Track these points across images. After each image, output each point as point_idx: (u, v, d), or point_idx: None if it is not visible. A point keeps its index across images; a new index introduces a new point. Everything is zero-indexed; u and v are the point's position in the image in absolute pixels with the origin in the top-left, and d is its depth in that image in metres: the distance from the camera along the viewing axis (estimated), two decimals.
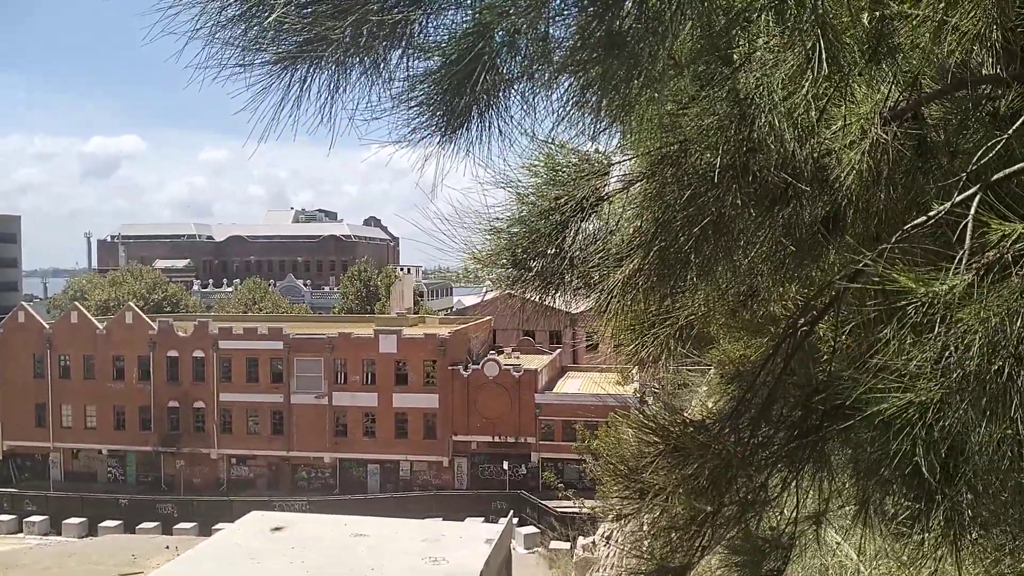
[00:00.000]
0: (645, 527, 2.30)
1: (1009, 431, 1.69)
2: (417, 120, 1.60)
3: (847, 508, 2.46)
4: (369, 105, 1.55)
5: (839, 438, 2.17)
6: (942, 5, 1.96)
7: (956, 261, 1.73)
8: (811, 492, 2.48)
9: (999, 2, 1.87)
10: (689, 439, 2.21)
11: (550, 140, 2.01)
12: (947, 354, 1.63)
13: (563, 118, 1.79)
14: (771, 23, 2.04)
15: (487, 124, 1.69)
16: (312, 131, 1.46)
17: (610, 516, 2.50)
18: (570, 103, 1.74)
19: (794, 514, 2.55)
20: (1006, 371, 1.58)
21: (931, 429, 1.73)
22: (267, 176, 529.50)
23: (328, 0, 1.43)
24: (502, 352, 55.77)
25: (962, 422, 1.67)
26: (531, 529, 41.34)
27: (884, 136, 2.07)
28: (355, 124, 1.55)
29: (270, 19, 1.36)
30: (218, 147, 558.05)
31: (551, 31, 1.63)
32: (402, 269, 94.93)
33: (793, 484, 2.45)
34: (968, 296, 1.62)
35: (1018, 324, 1.55)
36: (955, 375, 1.63)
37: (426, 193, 1.68)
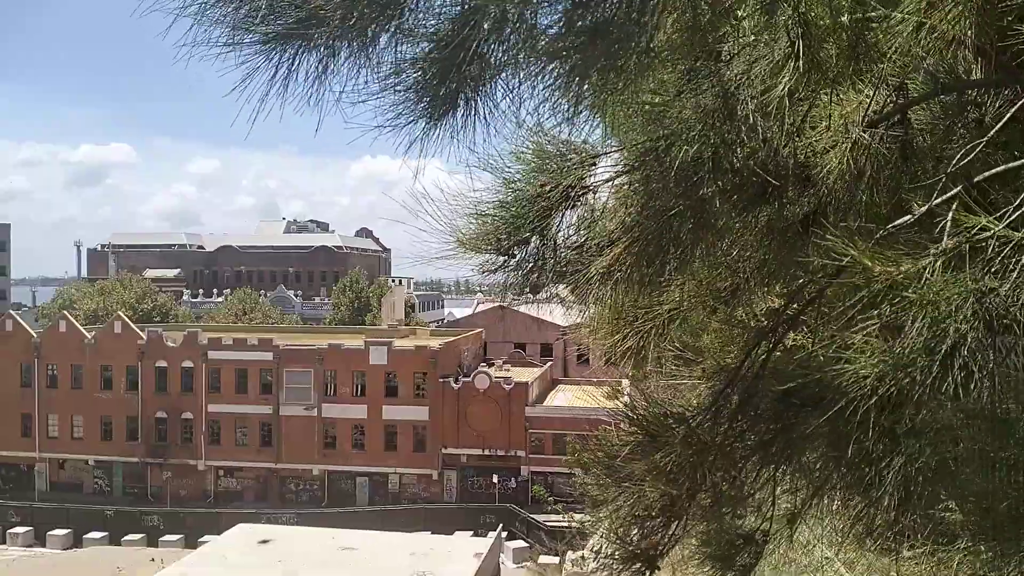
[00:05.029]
0: (620, 513, 2.33)
1: (948, 414, 1.73)
2: (403, 105, 1.63)
3: (817, 503, 2.47)
4: (356, 88, 1.59)
5: (805, 428, 2.20)
6: (922, 7, 2.00)
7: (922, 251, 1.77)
8: (787, 486, 2.49)
9: (979, 6, 1.91)
10: (666, 428, 2.25)
11: (537, 127, 2.05)
12: (895, 331, 1.68)
13: (549, 105, 1.83)
14: (756, 19, 2.08)
15: (473, 111, 1.73)
16: (299, 111, 1.50)
17: (586, 502, 2.53)
18: (555, 90, 1.78)
19: (770, 512, 2.56)
20: (945, 349, 1.62)
21: (879, 407, 1.77)
22: (257, 187, 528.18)
23: None
24: (493, 364, 55.65)
25: (900, 399, 1.71)
26: (520, 543, 41.11)
27: (866, 138, 2.11)
28: (342, 107, 1.58)
29: None
30: (208, 157, 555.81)
31: (538, 19, 1.67)
32: (394, 281, 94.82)
33: (769, 479, 2.47)
34: (920, 279, 1.66)
35: (967, 306, 1.59)
36: (898, 351, 1.67)
37: (412, 172, 1.72)
